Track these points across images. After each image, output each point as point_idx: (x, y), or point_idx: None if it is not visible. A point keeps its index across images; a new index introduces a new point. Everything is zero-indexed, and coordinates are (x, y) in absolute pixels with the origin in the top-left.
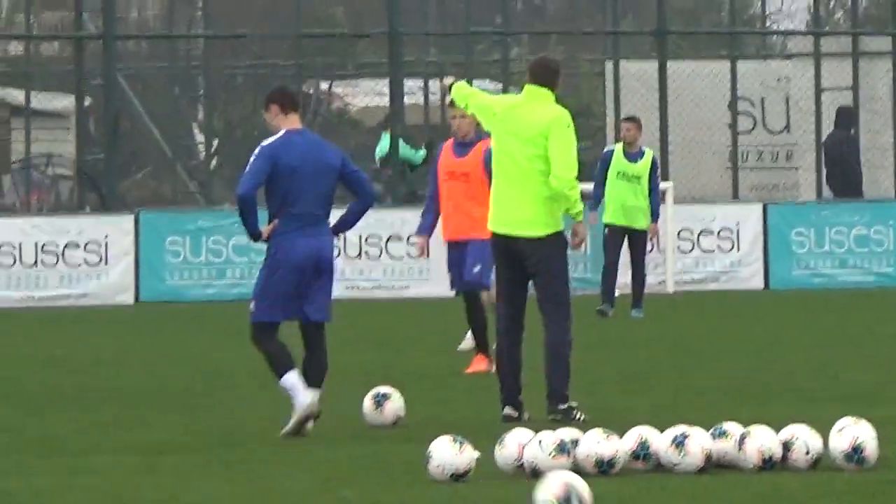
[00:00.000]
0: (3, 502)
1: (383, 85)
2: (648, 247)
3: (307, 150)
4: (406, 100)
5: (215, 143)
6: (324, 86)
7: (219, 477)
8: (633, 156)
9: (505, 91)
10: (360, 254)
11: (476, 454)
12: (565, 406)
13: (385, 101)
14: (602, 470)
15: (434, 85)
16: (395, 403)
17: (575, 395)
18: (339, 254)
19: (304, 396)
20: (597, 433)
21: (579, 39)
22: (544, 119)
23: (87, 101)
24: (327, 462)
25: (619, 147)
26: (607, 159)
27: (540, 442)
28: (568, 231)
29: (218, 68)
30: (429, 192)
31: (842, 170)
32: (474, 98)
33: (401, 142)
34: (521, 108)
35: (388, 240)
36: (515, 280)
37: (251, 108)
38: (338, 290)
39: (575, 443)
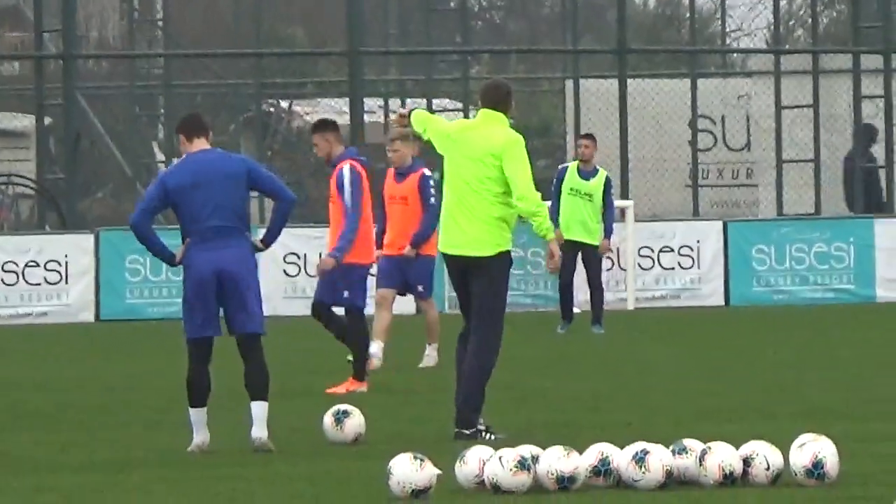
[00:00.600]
0: None
1: (343, 103)
2: (607, 264)
3: (202, 167)
4: (366, 118)
5: (175, 161)
6: (284, 104)
7: (180, 494)
8: (586, 173)
9: (465, 109)
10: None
11: (437, 471)
12: (472, 430)
13: (345, 119)
14: (562, 486)
15: (394, 104)
16: (356, 420)
17: (535, 412)
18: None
19: (198, 437)
20: (557, 449)
21: (540, 58)
22: (498, 141)
23: (48, 121)
24: (289, 478)
25: (573, 165)
26: (561, 176)
27: (500, 458)
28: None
29: (178, 87)
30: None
31: (865, 186)
32: (432, 124)
33: None
34: (474, 131)
35: None
36: (470, 294)
37: (211, 126)
38: (297, 306)
39: (535, 459)
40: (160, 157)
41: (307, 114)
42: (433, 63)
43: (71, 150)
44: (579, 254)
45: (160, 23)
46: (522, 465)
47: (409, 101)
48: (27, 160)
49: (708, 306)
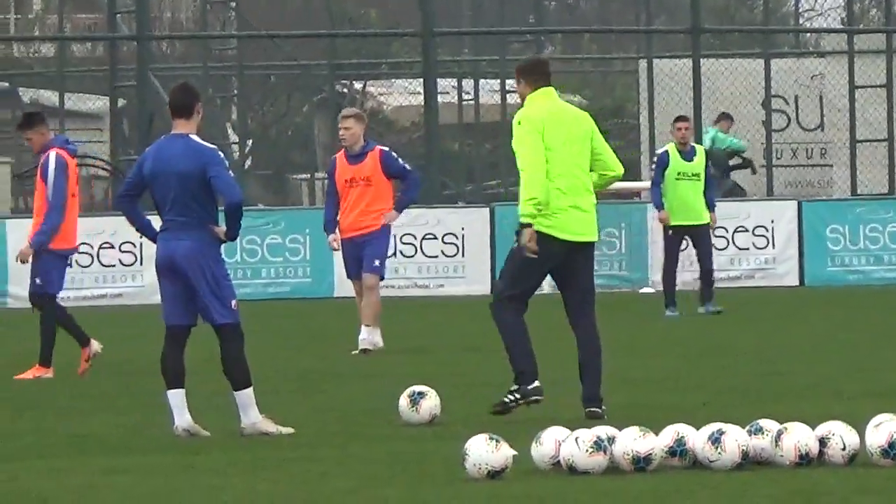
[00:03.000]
0: (38, 502)
1: (417, 84)
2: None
3: (164, 157)
4: (440, 99)
5: (249, 142)
6: (357, 85)
7: (256, 476)
8: (687, 154)
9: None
10: (394, 252)
11: (512, 452)
12: (602, 408)
13: (419, 100)
14: (639, 467)
15: (467, 85)
16: (431, 401)
17: (612, 393)
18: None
19: (178, 419)
20: (633, 430)
21: (613, 38)
22: (584, 117)
23: (121, 102)
24: (365, 460)
25: (671, 148)
26: (664, 162)
27: (577, 439)
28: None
29: (251, 69)
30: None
31: None
32: (538, 145)
33: (723, 134)
34: (565, 113)
35: (423, 238)
36: (560, 277)
37: (284, 108)
38: None
39: (612, 440)
40: (234, 137)
41: (381, 94)
42: (506, 43)
43: (144, 132)
44: (686, 236)
45: (233, 4)
46: (598, 446)
47: (482, 81)
48: (101, 141)
49: (782, 286)
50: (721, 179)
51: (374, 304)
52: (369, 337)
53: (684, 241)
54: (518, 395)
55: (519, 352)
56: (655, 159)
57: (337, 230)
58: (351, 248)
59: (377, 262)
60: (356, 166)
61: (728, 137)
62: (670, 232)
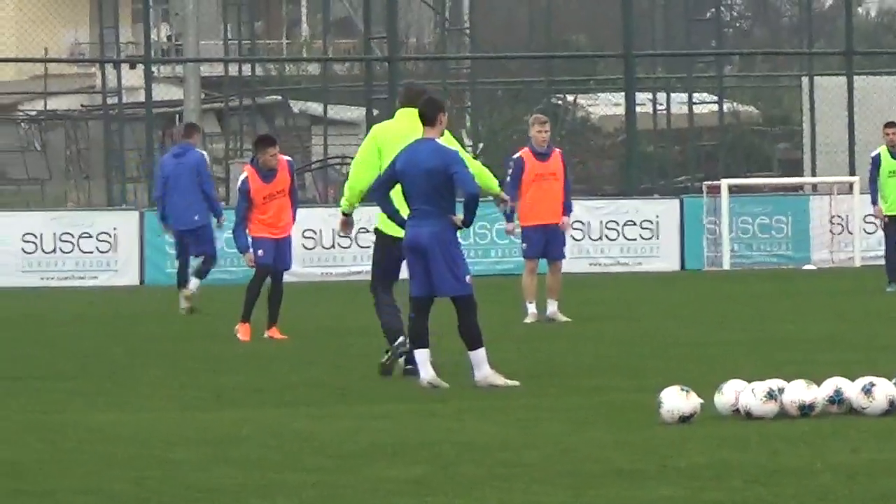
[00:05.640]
0: (311, 441)
1: (619, 97)
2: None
3: (414, 157)
4: (638, 109)
5: (480, 146)
6: (570, 98)
7: (486, 421)
8: None
9: (719, 102)
10: (600, 236)
11: (700, 400)
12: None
13: (621, 110)
14: (804, 413)
15: (661, 98)
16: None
17: (781, 352)
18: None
19: (424, 373)
20: (800, 383)
21: (780, 59)
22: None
23: (375, 112)
24: (576, 408)
25: (883, 150)
26: (877, 162)
27: (752, 390)
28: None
29: (482, 84)
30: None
31: None
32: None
33: None
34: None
35: (624, 224)
36: None
37: (509, 117)
38: (581, 266)
39: (782, 390)
40: (468, 142)
41: (589, 105)
42: (692, 63)
43: None
44: None
45: (467, 30)
46: (771, 395)
47: (672, 94)
48: (358, 145)
49: None
50: None
51: (560, 282)
52: (555, 308)
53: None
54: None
55: None
56: (871, 160)
57: (516, 217)
58: (538, 233)
59: (564, 250)
60: (545, 163)
61: None
62: (886, 220)
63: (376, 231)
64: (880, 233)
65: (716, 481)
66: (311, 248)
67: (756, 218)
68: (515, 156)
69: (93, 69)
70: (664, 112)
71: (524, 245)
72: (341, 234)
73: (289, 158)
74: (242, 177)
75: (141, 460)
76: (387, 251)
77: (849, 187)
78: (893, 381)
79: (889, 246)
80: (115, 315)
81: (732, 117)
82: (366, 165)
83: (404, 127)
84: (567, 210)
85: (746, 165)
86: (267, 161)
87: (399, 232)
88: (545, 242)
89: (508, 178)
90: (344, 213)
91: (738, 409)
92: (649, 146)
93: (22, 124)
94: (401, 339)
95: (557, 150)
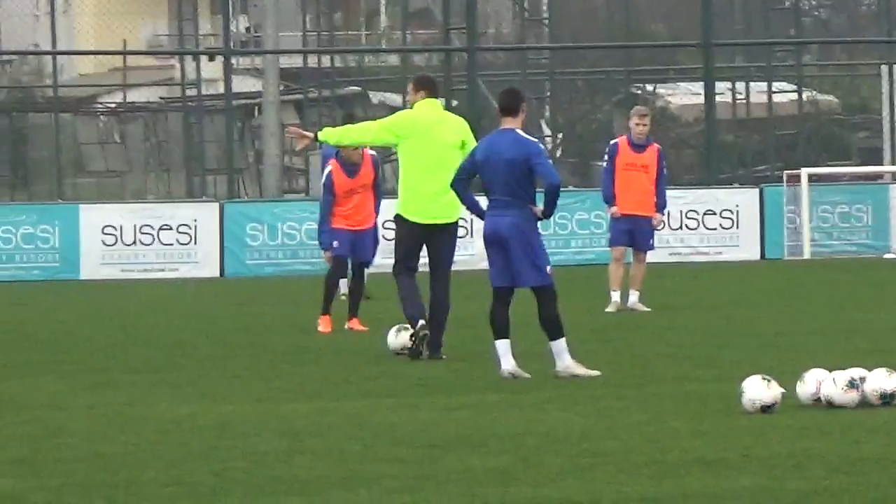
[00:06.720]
0: (391, 432)
1: (698, 87)
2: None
3: (494, 147)
4: (717, 98)
5: (560, 136)
6: (649, 88)
7: (568, 411)
8: None
9: (798, 90)
10: (680, 225)
11: (781, 390)
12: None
13: (700, 99)
14: (885, 401)
15: (740, 87)
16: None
17: (861, 341)
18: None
19: (504, 364)
20: (881, 371)
21: (859, 47)
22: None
23: (454, 103)
24: (658, 397)
25: None
26: None
27: (834, 379)
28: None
29: (562, 74)
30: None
31: None
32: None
33: None
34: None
35: (704, 213)
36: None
37: (589, 107)
38: (660, 256)
39: (863, 379)
40: (547, 131)
41: (668, 95)
42: (771, 52)
43: (473, 129)
44: None
45: (546, 20)
46: (852, 384)
47: (751, 83)
48: None
49: None
50: None
51: (644, 273)
52: (635, 299)
53: None
54: None
55: None
56: None
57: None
58: (621, 222)
59: (651, 242)
60: (639, 154)
61: None
62: None
63: (397, 217)
64: None
65: (797, 471)
66: (391, 240)
67: (836, 207)
68: (613, 141)
69: (172, 61)
70: (743, 101)
71: (609, 234)
72: (296, 148)
73: (373, 153)
74: (326, 171)
75: (223, 452)
76: (408, 229)
77: None
78: None
79: None
80: (197, 307)
81: (812, 106)
82: (377, 135)
83: (426, 115)
84: (660, 207)
85: (826, 154)
86: (350, 155)
87: (420, 217)
88: (630, 232)
89: (604, 163)
90: (316, 138)
91: (819, 399)
92: (728, 135)
93: (101, 117)
94: (421, 322)
95: (656, 145)
